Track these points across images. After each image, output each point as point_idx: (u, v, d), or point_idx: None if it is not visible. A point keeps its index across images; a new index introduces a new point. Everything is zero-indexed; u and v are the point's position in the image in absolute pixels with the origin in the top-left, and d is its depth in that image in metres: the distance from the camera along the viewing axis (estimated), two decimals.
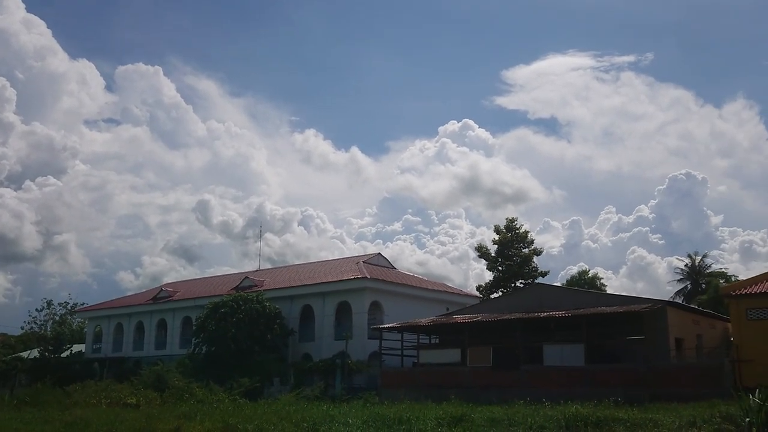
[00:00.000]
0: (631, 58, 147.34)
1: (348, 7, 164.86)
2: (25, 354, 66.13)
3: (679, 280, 62.92)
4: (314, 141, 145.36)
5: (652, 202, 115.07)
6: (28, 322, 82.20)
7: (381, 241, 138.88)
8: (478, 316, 39.48)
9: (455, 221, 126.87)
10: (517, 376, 34.73)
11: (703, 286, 59.10)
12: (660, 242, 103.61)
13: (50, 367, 58.77)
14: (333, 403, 31.46)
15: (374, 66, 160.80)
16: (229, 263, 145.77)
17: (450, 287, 58.75)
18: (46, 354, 62.48)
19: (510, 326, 36.49)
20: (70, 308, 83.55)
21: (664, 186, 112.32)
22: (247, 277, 59.75)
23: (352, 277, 49.65)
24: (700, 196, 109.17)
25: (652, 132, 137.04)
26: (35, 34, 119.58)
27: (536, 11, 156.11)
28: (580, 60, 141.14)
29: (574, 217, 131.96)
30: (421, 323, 41.79)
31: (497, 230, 59.14)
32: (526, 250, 58.36)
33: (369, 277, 49.07)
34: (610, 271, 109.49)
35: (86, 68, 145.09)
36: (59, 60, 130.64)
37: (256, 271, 65.84)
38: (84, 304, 73.83)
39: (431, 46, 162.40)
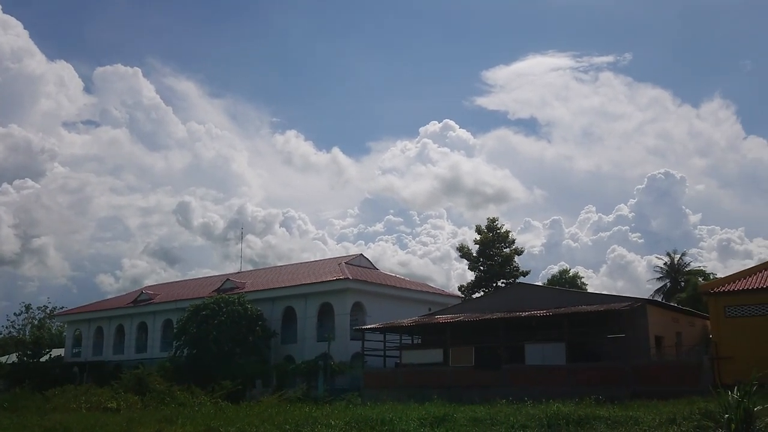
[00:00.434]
0: (609, 59, 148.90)
1: (328, 7, 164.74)
2: (3, 359, 65.31)
3: (658, 279, 63.45)
4: (295, 142, 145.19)
5: (632, 201, 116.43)
6: (7, 327, 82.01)
7: (363, 242, 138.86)
8: (460, 316, 39.61)
9: (437, 221, 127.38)
10: (499, 376, 34.92)
11: (682, 284, 59.65)
12: (639, 241, 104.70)
13: (29, 372, 58.27)
14: (316, 404, 31.32)
15: (355, 67, 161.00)
16: (211, 265, 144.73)
17: (432, 287, 58.90)
18: (25, 358, 61.81)
19: (492, 326, 36.66)
20: (49, 312, 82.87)
21: (643, 185, 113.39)
22: (228, 279, 59.50)
23: (334, 279, 49.63)
24: (679, 195, 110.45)
25: (630, 132, 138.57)
26: (12, 36, 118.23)
27: (516, 12, 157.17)
28: (560, 60, 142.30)
29: (555, 217, 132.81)
30: (404, 324, 41.84)
31: (479, 230, 59.49)
32: (507, 250, 58.75)
33: (351, 278, 49.06)
34: (590, 270, 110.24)
35: (64, 69, 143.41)
36: (37, 61, 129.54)
37: (238, 273, 65.56)
38: (63, 307, 73.34)
39: (412, 47, 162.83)
